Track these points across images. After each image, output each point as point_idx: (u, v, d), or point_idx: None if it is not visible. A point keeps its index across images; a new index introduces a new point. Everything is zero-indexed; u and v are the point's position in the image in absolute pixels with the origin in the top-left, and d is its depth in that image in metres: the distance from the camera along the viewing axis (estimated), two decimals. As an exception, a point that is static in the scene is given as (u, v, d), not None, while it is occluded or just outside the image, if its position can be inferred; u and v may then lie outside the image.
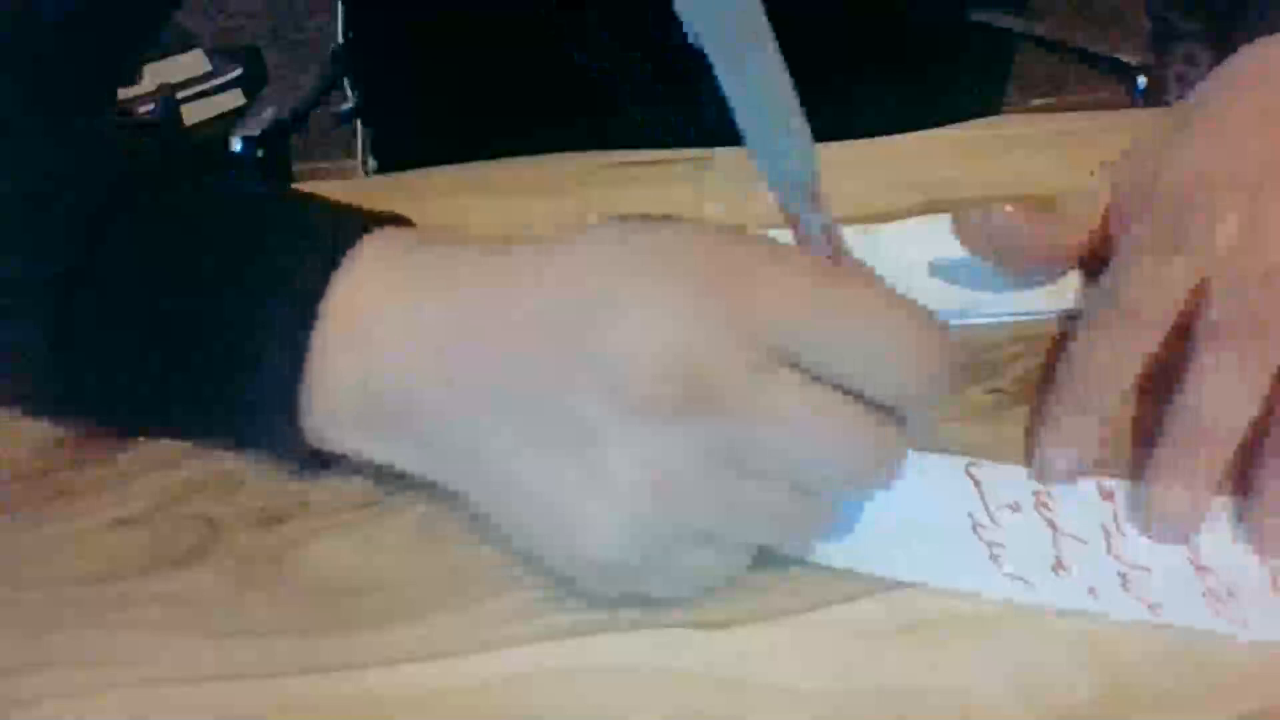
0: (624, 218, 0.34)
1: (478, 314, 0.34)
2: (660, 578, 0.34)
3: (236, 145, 0.91)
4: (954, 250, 0.48)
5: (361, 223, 0.37)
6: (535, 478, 0.32)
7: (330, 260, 0.35)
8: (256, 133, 0.91)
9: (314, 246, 0.36)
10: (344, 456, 0.37)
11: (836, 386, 0.32)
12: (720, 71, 0.30)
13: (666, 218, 0.34)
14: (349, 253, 0.36)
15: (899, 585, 0.36)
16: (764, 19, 0.30)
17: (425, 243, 0.37)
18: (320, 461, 0.38)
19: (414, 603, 0.36)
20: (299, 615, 0.36)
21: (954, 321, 0.47)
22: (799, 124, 0.31)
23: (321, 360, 0.35)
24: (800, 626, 0.35)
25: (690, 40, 0.30)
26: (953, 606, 0.35)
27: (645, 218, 0.34)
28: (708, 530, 0.33)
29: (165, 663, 0.34)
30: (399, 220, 0.38)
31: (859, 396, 0.32)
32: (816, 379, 0.32)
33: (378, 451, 0.36)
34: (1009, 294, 0.48)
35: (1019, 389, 0.43)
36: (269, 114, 0.93)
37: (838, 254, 0.34)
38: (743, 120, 0.31)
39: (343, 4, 0.77)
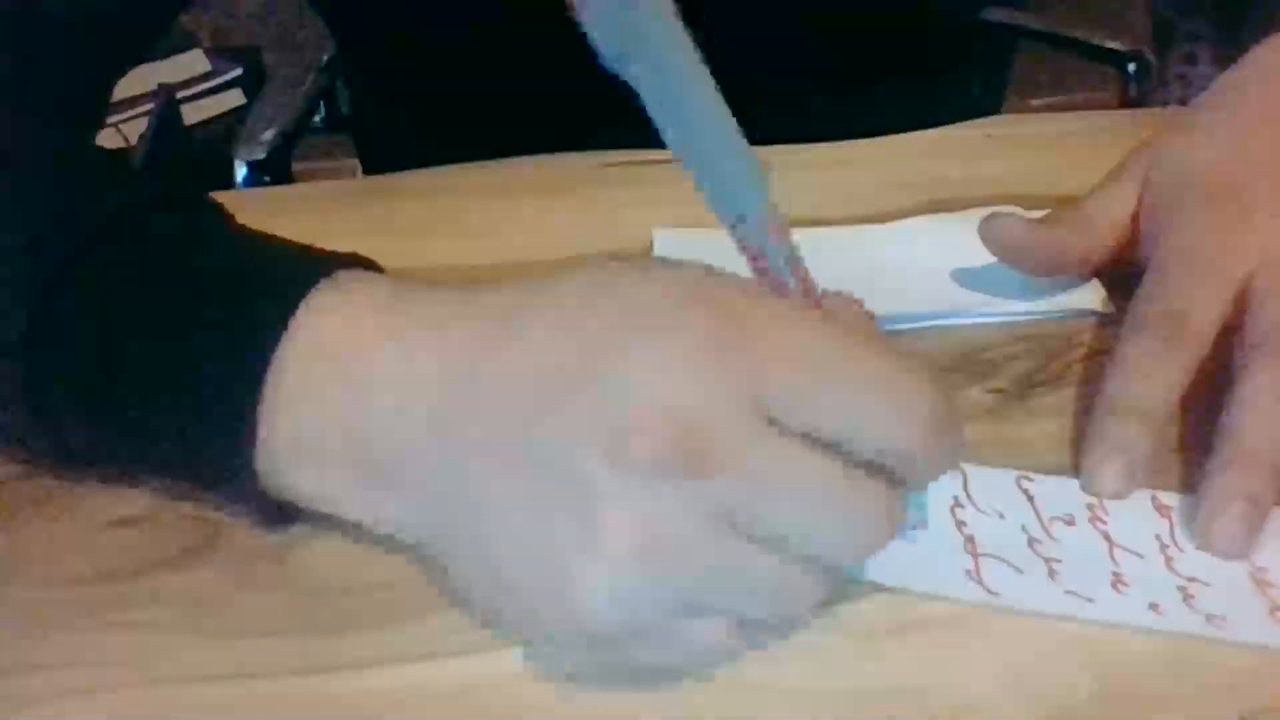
0: (605, 261, 0.33)
1: (471, 361, 0.33)
2: (647, 648, 0.32)
3: (241, 171, 0.92)
4: (954, 250, 0.48)
5: (323, 265, 0.36)
6: (526, 533, 0.31)
7: (291, 301, 0.34)
8: (261, 156, 0.92)
9: (272, 289, 0.35)
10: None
11: (831, 447, 0.30)
12: (653, 114, 0.30)
13: (658, 260, 0.33)
14: (312, 291, 0.35)
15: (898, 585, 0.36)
16: (693, 53, 0.29)
17: (400, 284, 0.36)
18: (289, 517, 0.37)
19: (413, 603, 0.36)
20: (299, 615, 0.36)
21: (954, 321, 0.47)
22: (743, 156, 0.30)
23: (287, 400, 0.34)
24: (799, 627, 0.34)
25: (624, 80, 0.29)
26: (952, 606, 0.35)
27: (627, 262, 0.33)
28: (699, 600, 0.31)
29: (165, 663, 0.34)
30: (363, 263, 0.37)
31: (856, 461, 0.31)
32: (814, 440, 0.30)
33: (352, 501, 0.35)
34: (1009, 294, 0.48)
35: (1019, 389, 0.44)
36: (269, 135, 0.93)
37: (808, 289, 0.33)
38: (686, 163, 0.30)
39: (331, 30, 0.77)
